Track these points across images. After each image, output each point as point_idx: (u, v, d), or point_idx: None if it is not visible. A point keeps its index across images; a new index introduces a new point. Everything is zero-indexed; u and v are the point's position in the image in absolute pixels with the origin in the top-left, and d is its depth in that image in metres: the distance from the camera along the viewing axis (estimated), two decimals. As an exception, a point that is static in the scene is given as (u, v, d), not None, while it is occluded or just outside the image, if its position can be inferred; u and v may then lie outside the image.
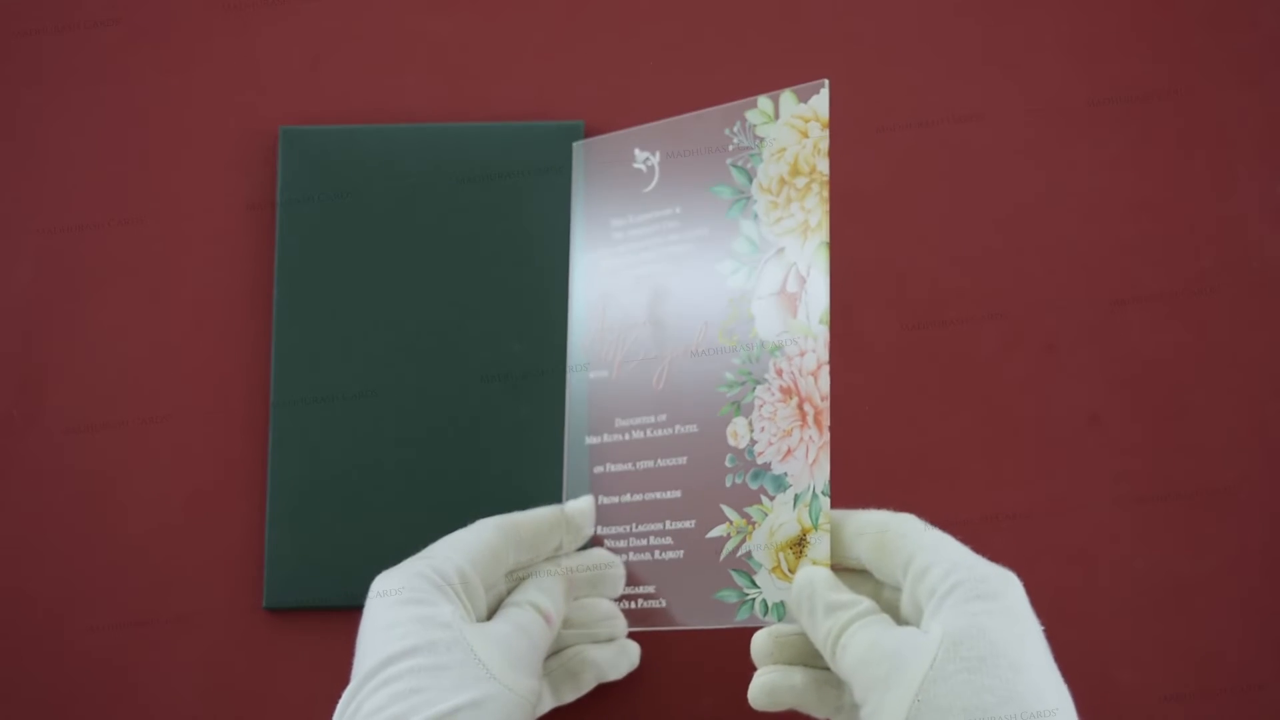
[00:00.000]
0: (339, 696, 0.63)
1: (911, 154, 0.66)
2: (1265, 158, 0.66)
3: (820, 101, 0.53)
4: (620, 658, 0.57)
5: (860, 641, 0.47)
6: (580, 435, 0.57)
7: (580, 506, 0.56)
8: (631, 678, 0.60)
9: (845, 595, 0.49)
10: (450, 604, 0.50)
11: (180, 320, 0.65)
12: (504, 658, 0.49)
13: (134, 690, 0.62)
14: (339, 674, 0.62)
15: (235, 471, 0.64)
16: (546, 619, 0.52)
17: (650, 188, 0.57)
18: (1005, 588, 0.47)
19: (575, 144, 0.59)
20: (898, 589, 0.50)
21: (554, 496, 0.62)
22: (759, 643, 0.53)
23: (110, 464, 0.64)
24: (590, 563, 0.56)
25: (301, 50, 0.68)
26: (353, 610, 0.62)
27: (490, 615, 0.53)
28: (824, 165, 0.53)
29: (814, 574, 0.50)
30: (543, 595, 0.53)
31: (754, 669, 0.53)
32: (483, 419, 0.63)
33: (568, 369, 0.58)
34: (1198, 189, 0.66)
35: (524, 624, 0.52)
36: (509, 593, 0.54)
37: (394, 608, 0.49)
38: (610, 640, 0.57)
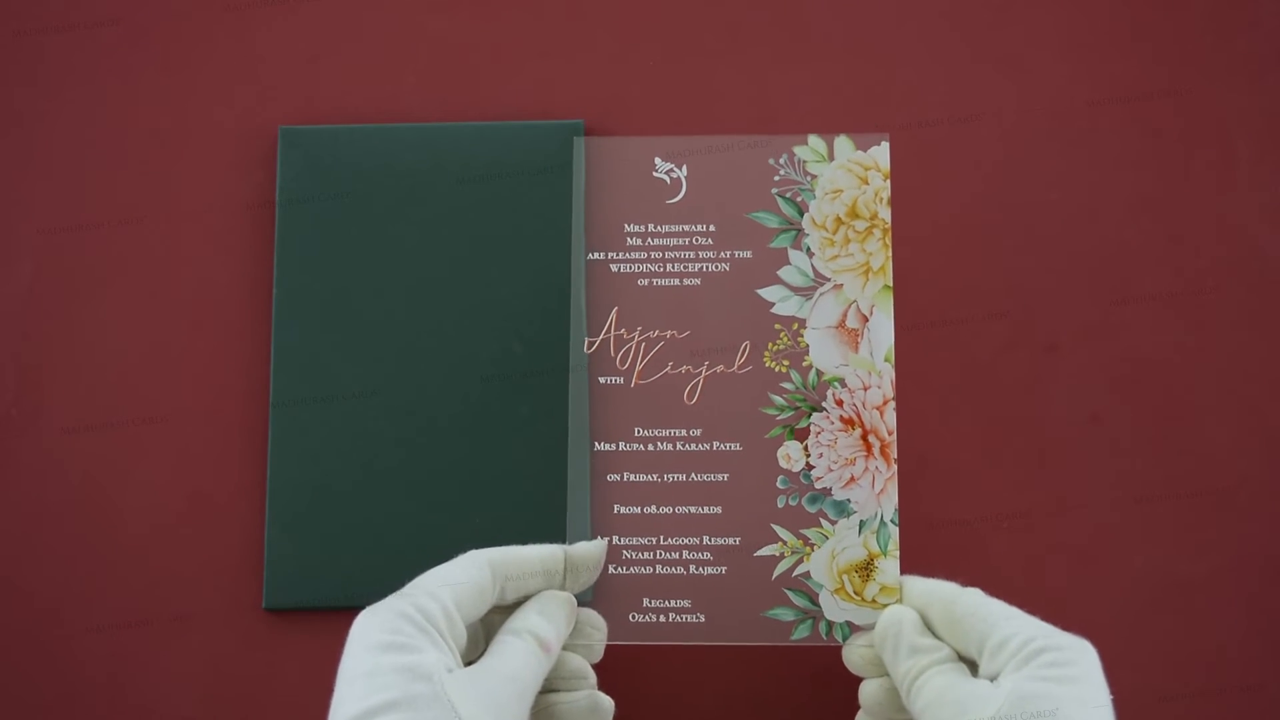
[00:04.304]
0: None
1: (911, 154, 0.66)
2: (1265, 158, 0.66)
3: (881, 153, 0.57)
4: (592, 716, 0.53)
5: (935, 686, 0.50)
6: (586, 439, 0.57)
7: (589, 552, 0.54)
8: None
9: (929, 640, 0.52)
10: (435, 649, 0.48)
11: (180, 320, 0.65)
12: (488, 711, 0.47)
13: (134, 690, 0.62)
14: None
15: (235, 472, 0.64)
16: (545, 648, 0.51)
17: (677, 199, 0.58)
18: (1080, 657, 0.49)
19: (578, 139, 0.58)
20: (969, 658, 0.52)
21: (551, 497, 0.62)
22: (858, 655, 0.54)
23: (110, 464, 0.64)
24: (582, 619, 0.54)
25: (301, 50, 0.68)
26: (353, 610, 0.62)
27: (471, 644, 0.51)
28: (886, 213, 0.56)
29: (902, 614, 0.53)
30: (544, 621, 0.51)
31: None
32: (483, 419, 0.63)
33: (570, 370, 0.57)
34: (1198, 189, 0.66)
35: (513, 668, 0.49)
36: (501, 619, 0.52)
37: (375, 653, 0.47)
38: (576, 691, 0.54)
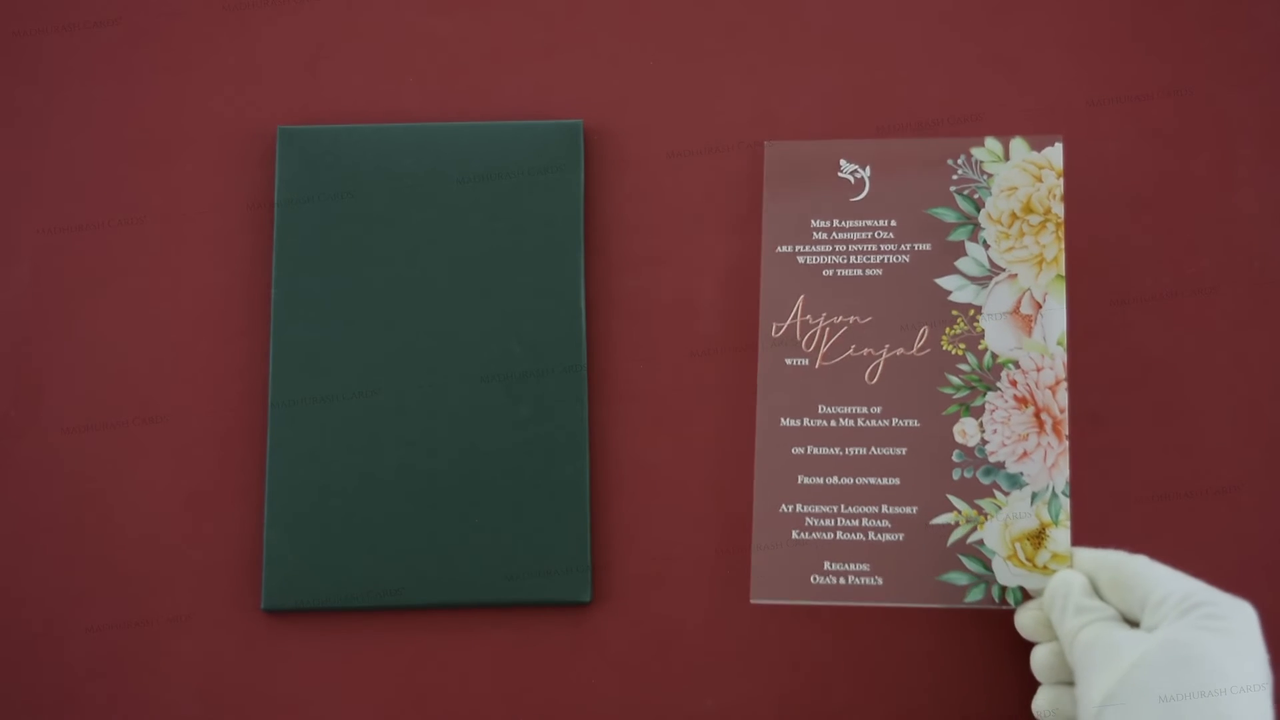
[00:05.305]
0: (337, 697, 0.63)
1: (911, 154, 0.66)
2: (1265, 158, 0.66)
3: (1055, 153, 0.61)
4: None
5: (1093, 633, 0.52)
6: (774, 416, 0.60)
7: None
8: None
9: (1094, 602, 0.54)
10: None
11: (179, 320, 0.65)
12: None
13: (132, 691, 0.62)
14: (337, 675, 0.63)
15: (233, 472, 0.64)
16: None
17: (860, 197, 0.62)
18: (1235, 613, 0.50)
19: (768, 144, 0.63)
20: (1133, 618, 0.54)
21: (551, 497, 0.62)
22: (1029, 618, 0.57)
23: (110, 464, 0.64)
24: None
25: (300, 50, 0.68)
26: (351, 611, 0.62)
27: None
28: (1059, 209, 0.60)
29: (1071, 578, 0.55)
30: None
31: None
32: (482, 419, 0.63)
33: (759, 352, 0.61)
34: (1198, 189, 0.66)
35: None
36: None
37: None
38: None
